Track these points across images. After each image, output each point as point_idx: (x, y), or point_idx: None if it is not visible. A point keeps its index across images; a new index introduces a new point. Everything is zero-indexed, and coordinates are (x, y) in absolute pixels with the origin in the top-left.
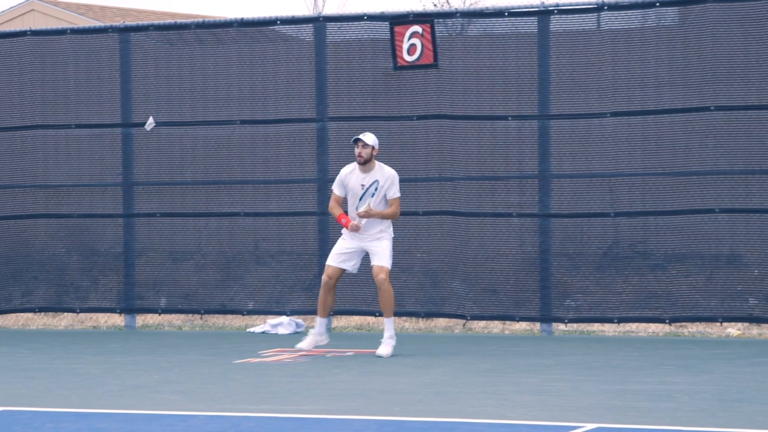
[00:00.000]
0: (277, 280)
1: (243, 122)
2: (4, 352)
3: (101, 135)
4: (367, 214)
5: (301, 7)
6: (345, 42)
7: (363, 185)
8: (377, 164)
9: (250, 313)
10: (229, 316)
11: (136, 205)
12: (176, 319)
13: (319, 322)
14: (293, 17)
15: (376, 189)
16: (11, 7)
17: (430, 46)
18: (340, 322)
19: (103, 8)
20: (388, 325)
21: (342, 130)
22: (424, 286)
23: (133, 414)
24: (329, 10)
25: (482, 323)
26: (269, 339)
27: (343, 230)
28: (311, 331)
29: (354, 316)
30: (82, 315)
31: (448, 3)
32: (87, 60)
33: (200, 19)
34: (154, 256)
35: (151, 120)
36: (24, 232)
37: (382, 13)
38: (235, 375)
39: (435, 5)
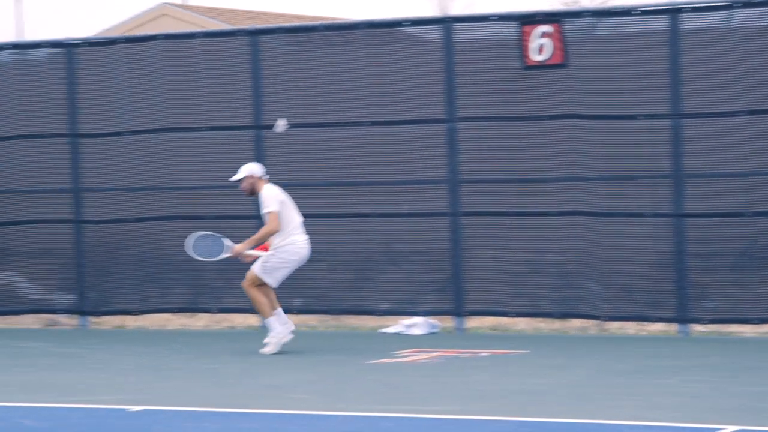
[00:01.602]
0: (410, 280)
1: (373, 123)
2: (143, 352)
3: (233, 137)
4: (237, 253)
5: (427, 8)
6: (473, 42)
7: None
8: (264, 187)
9: (384, 313)
10: (363, 317)
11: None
12: (311, 319)
13: (268, 322)
14: (421, 18)
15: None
16: (143, 12)
17: (559, 45)
18: (474, 322)
19: (233, 11)
20: (270, 327)
21: (471, 130)
22: (558, 287)
23: (271, 414)
24: (456, 10)
25: (618, 324)
26: (403, 339)
27: None
28: (271, 333)
29: (488, 317)
30: (218, 315)
31: (577, 2)
32: (218, 63)
33: (329, 21)
34: None
35: (282, 122)
36: (160, 234)
37: (511, 13)
38: (370, 375)
39: (564, 4)
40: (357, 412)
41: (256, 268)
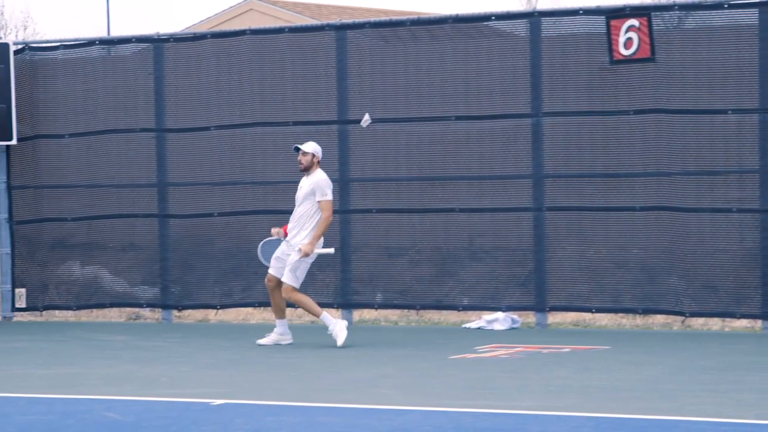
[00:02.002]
0: (492, 275)
1: (458, 118)
2: (225, 346)
3: (318, 132)
4: (306, 253)
5: (513, 2)
6: (560, 36)
7: (300, 187)
8: (316, 170)
9: (466, 308)
10: (445, 312)
11: (351, 201)
12: (392, 314)
13: (277, 323)
14: (508, 13)
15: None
16: (230, 7)
17: (647, 39)
18: (556, 318)
19: (319, 6)
20: (325, 321)
21: (557, 125)
22: (641, 283)
23: (352, 408)
24: (542, 4)
25: (701, 320)
26: (485, 335)
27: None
28: (275, 330)
29: (570, 313)
30: (299, 310)
31: None
32: (304, 58)
33: (415, 16)
34: (370, 252)
35: (366, 117)
36: (244, 228)
37: (598, 7)
38: (451, 370)
39: None
40: (438, 407)
41: (290, 280)
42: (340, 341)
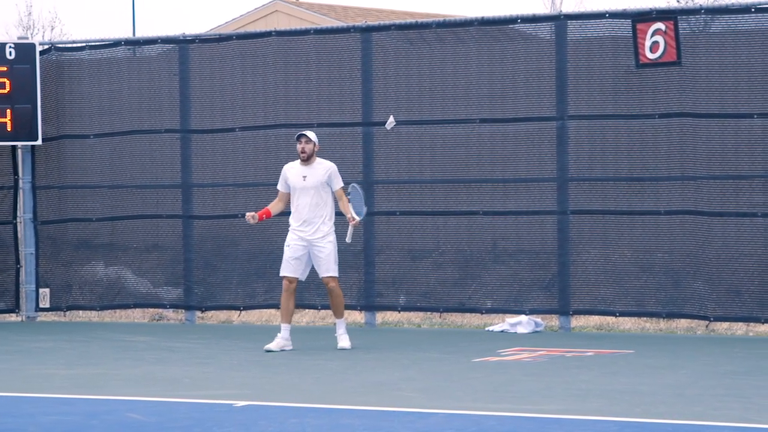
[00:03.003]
0: (515, 278)
1: (482, 121)
2: (248, 348)
3: (342, 134)
4: (355, 222)
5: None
6: (585, 39)
7: (304, 176)
8: (317, 159)
9: (489, 311)
10: (468, 315)
11: (375, 203)
12: (415, 316)
13: (283, 327)
14: (534, 15)
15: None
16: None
17: (673, 43)
18: (579, 321)
19: (344, 8)
20: (341, 324)
21: (582, 128)
22: (665, 287)
23: (376, 411)
24: (566, 7)
25: (725, 325)
26: (508, 338)
27: (288, 237)
28: (281, 334)
29: (593, 316)
30: (323, 312)
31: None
32: (329, 59)
33: (441, 19)
34: (393, 254)
35: (391, 119)
36: (267, 230)
37: (624, 10)
38: (474, 373)
39: (678, 1)
40: (461, 410)
41: (336, 271)
42: (345, 344)
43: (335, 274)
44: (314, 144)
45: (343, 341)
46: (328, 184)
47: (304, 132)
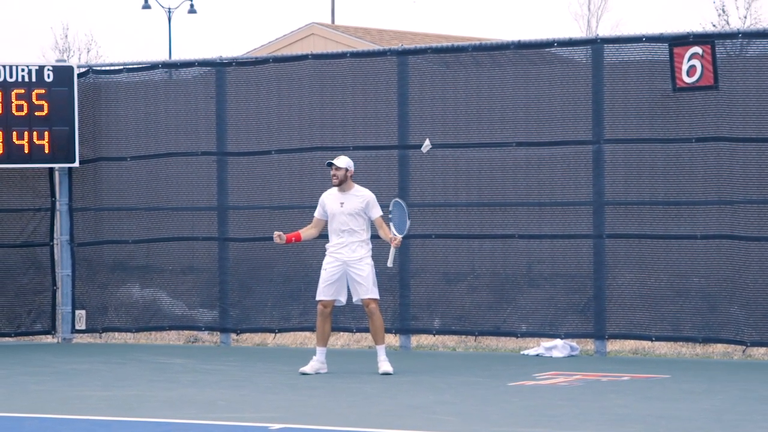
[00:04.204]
0: (551, 302)
1: (518, 144)
2: (283, 370)
3: (378, 157)
4: (396, 241)
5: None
6: (622, 63)
7: (341, 203)
8: (355, 186)
9: (524, 335)
10: (503, 338)
11: (411, 226)
12: (450, 340)
13: (318, 351)
14: (570, 39)
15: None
16: (292, 32)
17: (710, 67)
18: (615, 346)
19: (380, 31)
20: (382, 350)
21: (618, 152)
22: (701, 311)
23: None
24: (602, 30)
25: (763, 350)
26: (544, 362)
27: (324, 261)
28: (316, 357)
29: (629, 341)
30: (357, 334)
31: (728, 23)
32: (365, 82)
33: (477, 42)
34: (429, 277)
35: (427, 142)
36: (303, 252)
37: (661, 34)
38: (510, 397)
39: (714, 26)
40: None
41: (376, 293)
42: (388, 369)
43: (375, 296)
44: (346, 170)
45: (385, 366)
46: (365, 212)
47: (331, 161)
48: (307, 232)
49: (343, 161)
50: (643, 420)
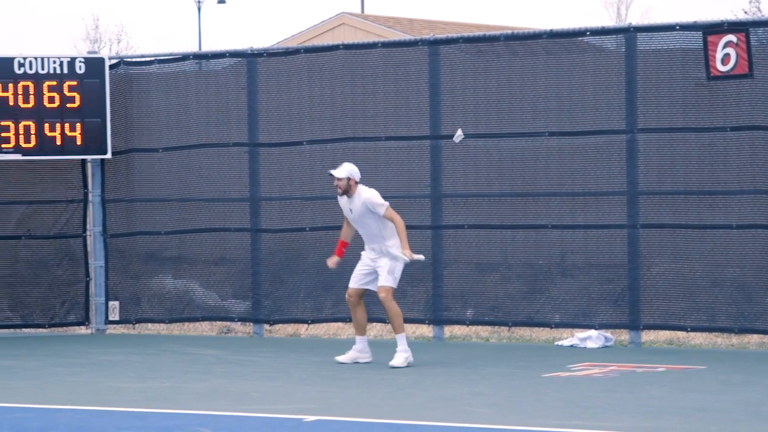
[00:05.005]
0: (584, 292)
1: (551, 134)
2: (316, 362)
3: (410, 147)
4: (411, 256)
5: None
6: (655, 52)
7: (350, 209)
8: (357, 190)
9: (558, 326)
10: (536, 329)
11: (443, 216)
12: (483, 330)
13: (357, 340)
14: (603, 28)
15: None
16: (322, 21)
17: (745, 55)
18: (649, 336)
19: (410, 21)
20: (400, 340)
21: (651, 141)
22: (737, 301)
23: (446, 426)
24: (631, 19)
25: None
26: (578, 352)
27: (362, 253)
28: (354, 346)
29: (663, 331)
30: (389, 325)
31: (759, 10)
32: (396, 72)
33: (509, 31)
34: (461, 268)
35: (459, 132)
36: (335, 243)
37: (695, 22)
38: (544, 389)
39: (746, 12)
40: (532, 427)
41: (389, 282)
42: (395, 362)
43: (386, 283)
44: (347, 179)
45: (395, 359)
46: (372, 212)
47: (330, 171)
48: (346, 234)
49: (343, 171)
50: (679, 412)
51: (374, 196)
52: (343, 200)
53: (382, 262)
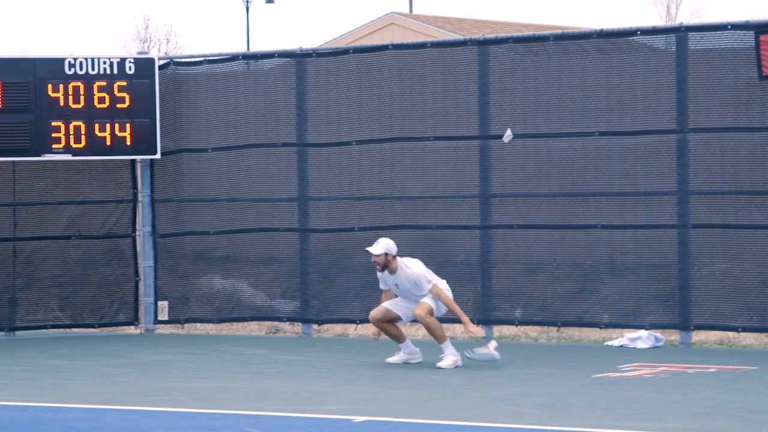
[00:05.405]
0: (634, 293)
1: (601, 134)
2: (365, 362)
3: (459, 147)
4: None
5: (654, 17)
6: (706, 51)
7: (396, 285)
8: (400, 264)
9: (608, 326)
10: (585, 329)
11: (492, 216)
12: (532, 330)
13: (402, 346)
14: (654, 28)
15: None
16: (371, 21)
17: None
18: (699, 336)
19: (460, 20)
20: (447, 348)
21: (702, 141)
22: None
23: (495, 427)
24: (682, 19)
25: None
26: (628, 353)
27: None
28: (402, 351)
29: (714, 331)
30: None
31: None
32: (445, 72)
33: (559, 31)
34: (510, 268)
35: (508, 132)
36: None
37: (747, 21)
38: (594, 389)
39: None
40: (583, 428)
41: (430, 302)
42: (443, 364)
43: (427, 301)
44: (384, 254)
45: (444, 360)
46: (418, 287)
47: (367, 248)
48: (386, 297)
49: (379, 247)
50: (731, 413)
51: (422, 272)
52: (385, 275)
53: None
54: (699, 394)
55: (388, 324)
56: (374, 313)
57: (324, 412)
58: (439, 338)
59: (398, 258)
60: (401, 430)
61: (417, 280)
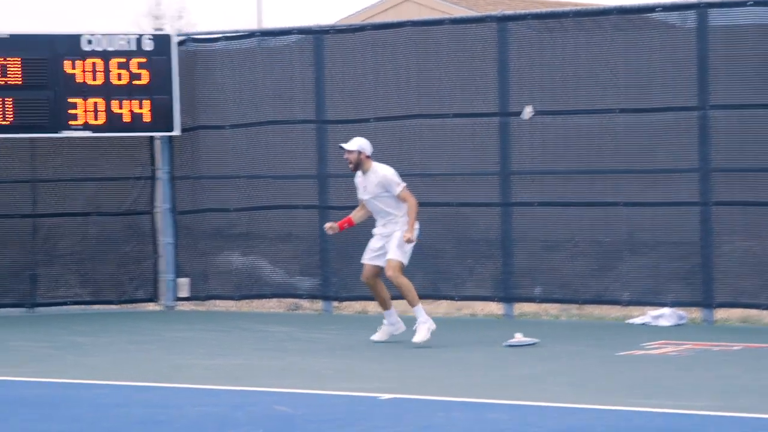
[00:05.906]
0: (656, 270)
1: (622, 111)
2: (387, 340)
3: (478, 124)
4: (410, 239)
5: None
6: (727, 28)
7: (365, 187)
8: (372, 166)
9: (629, 304)
10: (606, 307)
11: (513, 194)
12: (552, 308)
13: (385, 314)
14: (674, 3)
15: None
16: None
17: None
18: (722, 314)
19: None
20: (418, 313)
21: (723, 118)
22: None
23: (522, 405)
24: None
25: None
26: (651, 330)
27: (373, 230)
28: (384, 322)
29: (736, 309)
30: (458, 302)
31: None
32: (464, 49)
33: (578, 7)
34: (530, 245)
35: (529, 108)
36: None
37: None
38: (620, 367)
39: None
40: (610, 406)
41: (397, 255)
42: (418, 338)
43: (394, 257)
44: (358, 152)
45: (418, 334)
46: (387, 191)
47: (341, 144)
48: (357, 215)
49: (353, 143)
50: (760, 391)
51: (391, 174)
52: (358, 177)
53: (391, 240)
54: (725, 371)
55: (380, 286)
56: (364, 274)
57: (350, 390)
58: (412, 300)
59: (373, 161)
60: (428, 408)
61: (386, 182)
